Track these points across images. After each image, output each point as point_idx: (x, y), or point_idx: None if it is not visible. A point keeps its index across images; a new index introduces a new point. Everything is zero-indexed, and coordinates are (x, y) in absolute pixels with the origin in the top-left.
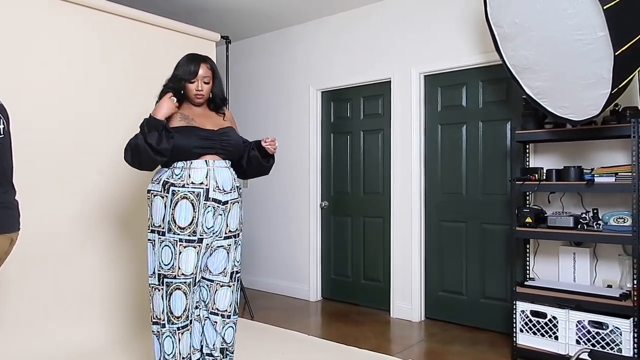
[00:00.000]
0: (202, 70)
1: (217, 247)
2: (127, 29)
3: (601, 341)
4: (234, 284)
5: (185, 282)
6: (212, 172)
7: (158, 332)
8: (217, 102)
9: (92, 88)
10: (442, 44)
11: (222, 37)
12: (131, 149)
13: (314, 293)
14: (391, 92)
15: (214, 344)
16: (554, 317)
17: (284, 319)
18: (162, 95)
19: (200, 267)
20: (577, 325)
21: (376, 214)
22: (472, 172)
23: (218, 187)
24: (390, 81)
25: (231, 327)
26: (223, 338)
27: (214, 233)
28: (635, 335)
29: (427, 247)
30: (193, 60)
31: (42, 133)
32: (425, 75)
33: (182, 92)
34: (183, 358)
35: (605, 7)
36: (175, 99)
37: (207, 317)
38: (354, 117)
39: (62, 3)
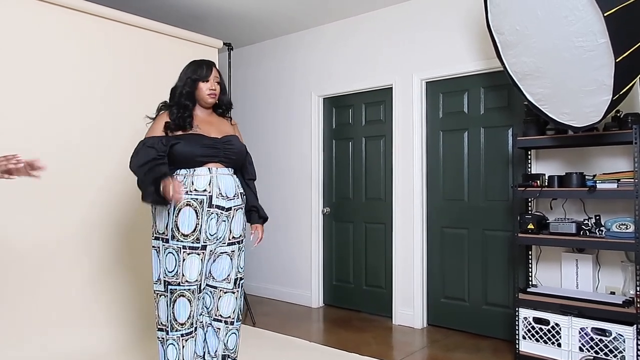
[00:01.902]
0: (214, 71)
1: (221, 253)
2: (131, 36)
3: (604, 348)
4: (237, 291)
5: (189, 289)
6: (215, 179)
7: (162, 338)
8: (223, 106)
9: (95, 95)
10: (444, 51)
11: (224, 44)
12: (136, 167)
13: (316, 299)
14: (393, 99)
15: (216, 351)
16: (557, 324)
17: (286, 325)
18: (172, 103)
19: (205, 274)
20: (580, 332)
21: (378, 220)
22: (474, 178)
23: (221, 193)
24: (391, 87)
25: (234, 333)
26: (225, 345)
27: (217, 239)
28: (639, 343)
29: (429, 253)
30: (204, 62)
31: (47, 140)
32: (426, 82)
33: (194, 96)
34: None
35: (605, 14)
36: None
37: (209, 324)
38: (355, 124)
39: (65, 10)
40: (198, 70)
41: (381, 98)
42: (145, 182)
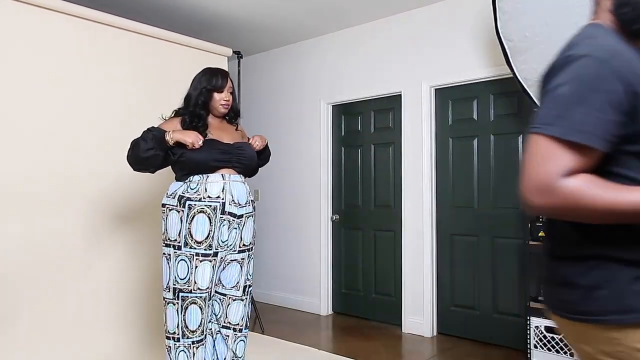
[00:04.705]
0: (229, 82)
1: (231, 260)
2: (141, 44)
3: None
4: (246, 298)
5: (200, 297)
6: (228, 185)
7: (171, 346)
8: (234, 114)
9: (107, 103)
10: (453, 58)
11: (233, 52)
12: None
13: (325, 307)
14: (402, 106)
15: (225, 358)
16: None
17: (295, 333)
18: (192, 117)
19: (215, 281)
20: None
21: (387, 228)
22: (484, 185)
23: (234, 200)
24: (400, 94)
25: (242, 340)
26: (234, 352)
27: (228, 247)
28: None
29: (438, 261)
30: (218, 72)
31: (58, 149)
32: (435, 89)
33: (208, 106)
34: None
35: None
36: (201, 141)
37: (218, 331)
38: (364, 131)
39: (76, 19)
40: (213, 80)
41: (390, 105)
42: (144, 145)
